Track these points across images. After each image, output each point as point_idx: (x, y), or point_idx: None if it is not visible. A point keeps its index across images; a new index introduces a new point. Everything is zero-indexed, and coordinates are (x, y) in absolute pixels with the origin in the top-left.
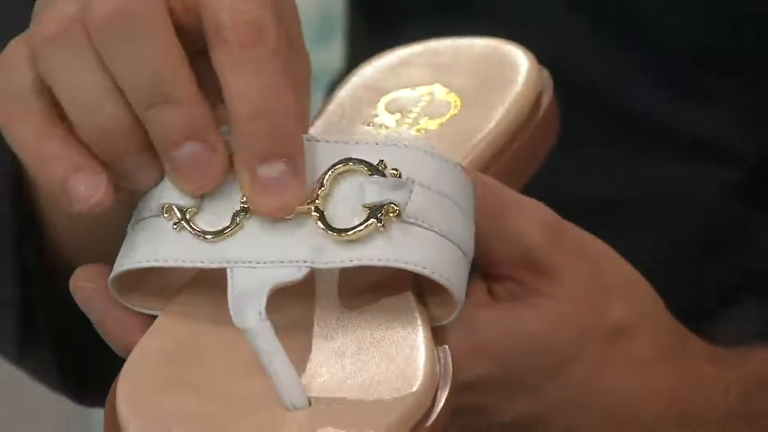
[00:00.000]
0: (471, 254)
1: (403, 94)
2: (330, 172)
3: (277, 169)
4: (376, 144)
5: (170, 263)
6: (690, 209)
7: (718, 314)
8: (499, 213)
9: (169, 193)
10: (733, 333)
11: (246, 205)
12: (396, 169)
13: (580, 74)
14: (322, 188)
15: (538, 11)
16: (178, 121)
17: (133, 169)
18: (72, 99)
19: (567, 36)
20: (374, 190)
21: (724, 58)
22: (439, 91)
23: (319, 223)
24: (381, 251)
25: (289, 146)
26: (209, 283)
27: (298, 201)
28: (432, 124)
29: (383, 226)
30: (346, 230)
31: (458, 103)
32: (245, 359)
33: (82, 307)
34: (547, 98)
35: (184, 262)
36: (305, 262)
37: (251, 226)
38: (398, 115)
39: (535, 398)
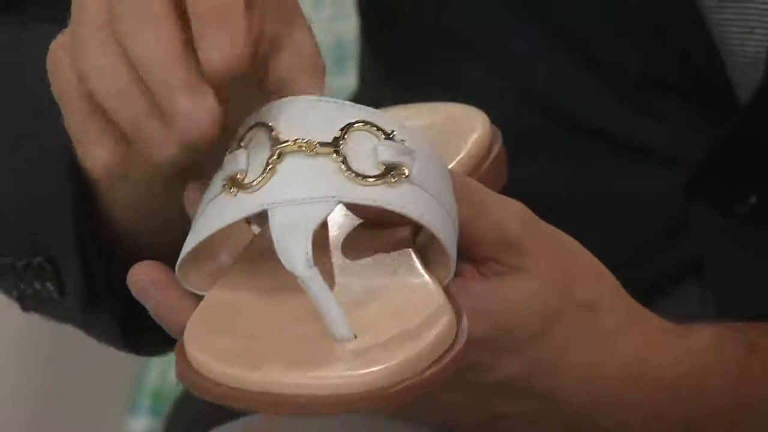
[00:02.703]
0: (456, 223)
1: None
2: (351, 127)
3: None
4: (387, 113)
5: (218, 226)
6: (641, 206)
7: (664, 293)
8: (481, 204)
9: (225, 171)
10: (676, 310)
11: (277, 150)
12: (403, 140)
13: (549, 93)
14: (344, 139)
15: (517, 46)
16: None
17: (147, 135)
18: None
19: (539, 62)
20: (388, 152)
21: (669, 84)
22: None
23: (343, 166)
24: (394, 199)
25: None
26: (259, 255)
27: (243, 32)
28: None
29: (396, 182)
30: (367, 176)
31: None
32: (293, 312)
33: (138, 297)
34: (497, 147)
35: (229, 220)
36: (333, 197)
37: (283, 171)
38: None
39: (521, 358)
